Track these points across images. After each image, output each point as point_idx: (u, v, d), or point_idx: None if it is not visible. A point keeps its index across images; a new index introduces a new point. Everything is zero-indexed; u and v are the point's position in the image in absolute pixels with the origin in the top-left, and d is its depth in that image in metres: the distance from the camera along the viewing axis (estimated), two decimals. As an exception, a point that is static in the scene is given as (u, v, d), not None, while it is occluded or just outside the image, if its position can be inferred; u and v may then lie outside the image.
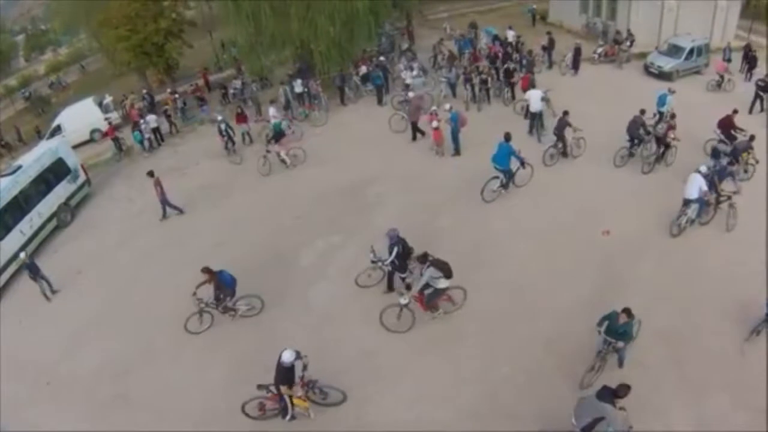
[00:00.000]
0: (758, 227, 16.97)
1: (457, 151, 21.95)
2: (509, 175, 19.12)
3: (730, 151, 18.92)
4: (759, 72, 28.01)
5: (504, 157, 18.71)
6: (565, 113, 20.58)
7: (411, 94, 23.89)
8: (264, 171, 22.17)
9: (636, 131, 20.43)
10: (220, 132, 23.59)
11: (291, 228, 18.90)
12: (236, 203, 20.80)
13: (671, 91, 22.82)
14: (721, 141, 19.96)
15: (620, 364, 12.69)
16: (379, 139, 23.46)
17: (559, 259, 16.51)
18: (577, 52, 30.11)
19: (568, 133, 20.78)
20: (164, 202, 20.19)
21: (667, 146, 20.34)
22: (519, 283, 15.66)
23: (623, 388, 10.04)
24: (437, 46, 30.86)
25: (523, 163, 19.03)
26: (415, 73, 25.94)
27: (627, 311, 11.81)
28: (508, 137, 18.79)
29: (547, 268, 16.21)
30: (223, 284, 14.44)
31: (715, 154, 19.51)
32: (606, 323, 12.16)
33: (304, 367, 11.82)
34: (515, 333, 14.07)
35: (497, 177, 19.08)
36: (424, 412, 12.35)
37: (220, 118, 24.07)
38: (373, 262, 14.92)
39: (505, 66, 26.44)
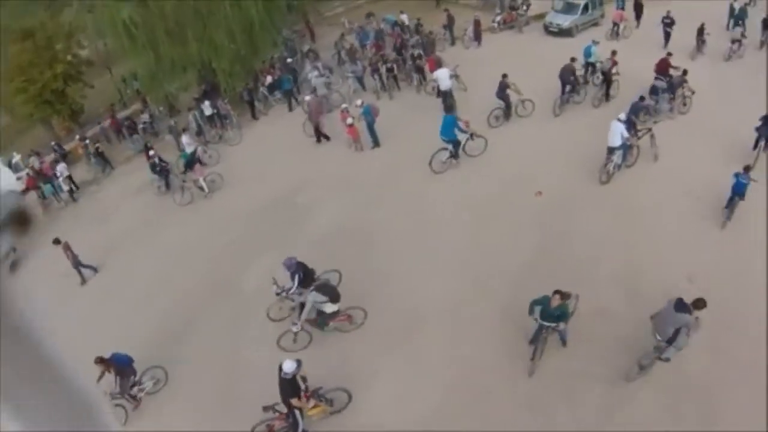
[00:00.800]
0: (685, 153, 18.56)
1: (376, 143, 21.94)
2: (457, 146, 19.76)
3: (667, 87, 20.90)
4: (645, 17, 29.82)
5: (449, 128, 19.38)
6: (504, 76, 21.28)
7: (308, 98, 23.48)
8: (184, 201, 21.41)
9: (568, 77, 22.03)
10: (154, 167, 22.15)
11: (226, 255, 18.20)
12: (166, 241, 19.82)
13: (595, 42, 24.37)
14: (657, 79, 21.42)
15: (563, 343, 12.64)
16: (297, 147, 23.07)
17: (501, 225, 16.96)
18: (477, 24, 30.45)
19: (512, 96, 21.48)
20: (77, 265, 18.62)
21: (610, 81, 22.48)
22: (464, 257, 15.90)
23: (700, 301, 11.22)
24: (339, 42, 30.55)
25: (471, 135, 19.80)
26: (316, 73, 25.51)
27: (560, 293, 11.53)
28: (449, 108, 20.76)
29: (490, 236, 16.56)
30: (121, 367, 13.08)
31: (654, 91, 21.16)
32: (539, 308, 11.81)
33: (304, 379, 11.55)
34: (470, 309, 14.18)
35: (446, 149, 19.70)
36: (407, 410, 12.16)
37: (152, 152, 22.78)
38: (277, 294, 14.16)
39: (411, 52, 26.48)
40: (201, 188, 21.53)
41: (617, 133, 17.79)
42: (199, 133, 25.80)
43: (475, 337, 13.44)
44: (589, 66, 23.74)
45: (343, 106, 21.78)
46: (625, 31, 30.10)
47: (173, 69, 27.31)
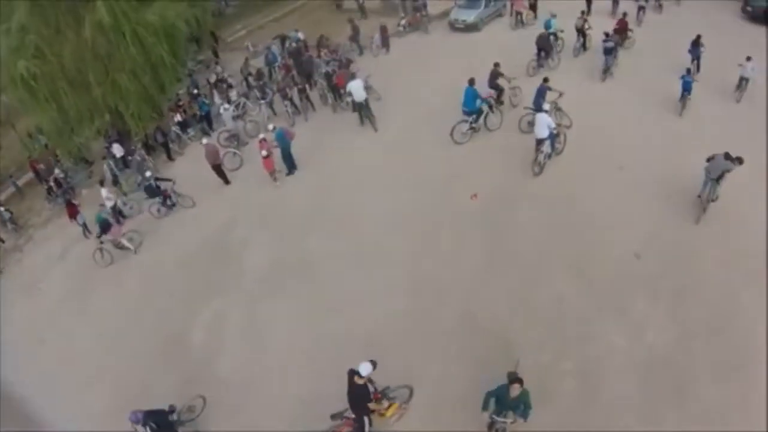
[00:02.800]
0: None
1: (291, 170, 21.26)
2: (480, 115, 20.89)
3: (614, 45, 23.86)
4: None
5: (471, 99, 20.47)
6: (496, 65, 21.35)
7: (205, 141, 22.22)
8: (105, 263, 19.73)
9: (546, 43, 25.06)
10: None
11: (169, 309, 17.04)
12: (102, 307, 18.13)
13: (553, 15, 26.44)
14: (607, 40, 23.72)
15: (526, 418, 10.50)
16: (217, 184, 22.01)
17: (444, 234, 16.99)
18: (383, 30, 30.36)
19: (503, 83, 21.86)
20: None
21: (585, 35, 26.06)
22: (413, 272, 15.79)
23: (740, 158, 15.15)
24: (244, 68, 29.70)
25: (491, 107, 21.04)
26: (226, 105, 24.59)
27: (517, 380, 10.00)
28: (472, 82, 20.43)
29: (435, 248, 16.57)
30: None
31: (607, 51, 23.69)
32: (492, 401, 10.25)
33: (371, 381, 11.12)
34: (428, 327, 14.09)
35: (466, 120, 20.76)
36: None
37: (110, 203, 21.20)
38: None
39: (325, 70, 25.84)
40: (123, 247, 20.04)
41: (543, 125, 18.12)
42: (116, 182, 24.38)
43: (442, 352, 13.36)
44: (551, 36, 25.89)
45: (261, 136, 20.99)
46: (528, 20, 30.78)
47: (80, 118, 25.76)
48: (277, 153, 20.79)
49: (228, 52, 35.91)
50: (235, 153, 22.92)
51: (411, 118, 22.92)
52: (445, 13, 33.92)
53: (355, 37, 30.85)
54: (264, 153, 20.06)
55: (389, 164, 20.34)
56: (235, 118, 24.35)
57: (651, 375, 12.17)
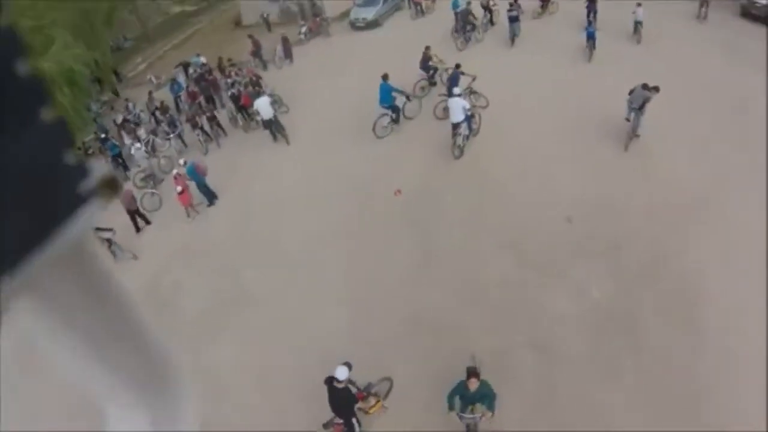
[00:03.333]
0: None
1: (211, 201, 20.14)
2: (397, 111, 20.79)
3: (517, 14, 25.69)
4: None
5: (387, 94, 20.30)
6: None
7: (137, 179, 21.50)
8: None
9: (467, 17, 26.62)
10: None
11: None
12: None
13: None
14: (511, 10, 25.58)
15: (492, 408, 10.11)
16: (145, 227, 20.61)
17: (374, 237, 16.47)
18: (285, 41, 29.67)
19: (437, 63, 22.38)
20: None
21: (491, 11, 27.80)
22: (353, 283, 15.16)
23: (656, 87, 16.79)
24: (149, 102, 28.35)
25: (408, 97, 20.97)
26: (138, 145, 23.46)
27: (473, 374, 9.77)
28: (385, 77, 20.28)
29: (368, 253, 16.00)
30: None
31: (512, 20, 25.52)
32: (457, 398, 9.90)
33: (351, 381, 10.68)
34: (378, 333, 13.51)
35: (386, 114, 20.68)
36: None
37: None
38: None
39: (231, 92, 24.86)
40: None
41: (458, 109, 18.06)
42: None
43: (397, 359, 12.79)
44: (459, 15, 27.13)
45: (174, 171, 19.99)
46: (427, 9, 30.82)
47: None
48: (194, 185, 19.88)
49: (132, 87, 34.67)
50: (153, 193, 21.62)
51: (325, 125, 22.42)
52: (345, 14, 33.63)
53: (257, 52, 30.09)
54: (179, 189, 19.10)
55: (310, 175, 19.77)
56: (148, 156, 23.30)
57: (602, 330, 12.40)
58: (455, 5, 27.50)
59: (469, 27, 26.69)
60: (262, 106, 21.55)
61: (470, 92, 20.25)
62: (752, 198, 14.88)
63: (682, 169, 16.53)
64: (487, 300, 13.62)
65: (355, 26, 31.98)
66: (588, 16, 24.88)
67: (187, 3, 49.43)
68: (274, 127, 21.92)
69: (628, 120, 17.65)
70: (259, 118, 22.42)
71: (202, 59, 30.91)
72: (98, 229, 19.34)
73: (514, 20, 25.64)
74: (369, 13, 31.88)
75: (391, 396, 11.98)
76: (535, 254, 14.52)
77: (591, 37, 23.41)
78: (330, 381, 10.41)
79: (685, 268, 13.44)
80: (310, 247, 16.75)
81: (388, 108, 20.61)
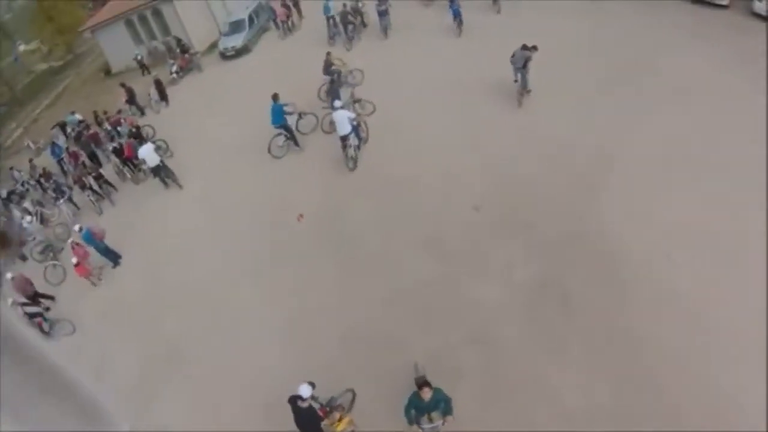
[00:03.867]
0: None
1: (115, 261, 19.46)
2: (291, 131, 21.02)
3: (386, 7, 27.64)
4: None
5: (278, 115, 20.50)
6: (328, 54, 22.49)
7: (9, 275, 19.25)
8: None
9: (347, 18, 28.14)
10: None
11: None
12: None
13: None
14: (380, 4, 27.37)
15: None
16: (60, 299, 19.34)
17: (285, 267, 16.28)
18: (158, 84, 29.20)
19: (340, 67, 22.83)
20: None
21: (362, 14, 29.32)
22: (279, 319, 14.82)
23: (535, 46, 18.61)
24: (32, 171, 27.24)
25: (300, 115, 21.31)
26: (28, 218, 22.44)
27: (424, 383, 9.45)
28: (275, 98, 20.58)
29: (283, 287, 15.74)
30: None
31: (381, 14, 27.68)
32: (414, 411, 9.59)
33: (314, 398, 10.38)
34: (316, 361, 13.06)
35: (280, 134, 20.91)
36: None
37: None
38: None
39: (113, 146, 24.18)
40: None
41: (344, 121, 18.36)
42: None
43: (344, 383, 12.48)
44: (331, 18, 29.18)
45: (70, 240, 19.47)
46: (294, 27, 31.98)
47: None
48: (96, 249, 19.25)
49: (11, 156, 33.41)
50: (55, 265, 20.58)
51: (215, 160, 22.52)
52: (213, 45, 33.60)
53: (131, 100, 29.39)
54: (74, 260, 18.41)
55: (210, 213, 19.64)
56: (40, 227, 22.64)
57: (535, 309, 12.67)
58: (327, 10, 29.10)
59: (350, 27, 28.21)
60: (147, 154, 21.26)
61: (354, 101, 20.73)
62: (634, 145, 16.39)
63: (574, 125, 17.83)
64: (416, 303, 13.66)
65: (225, 56, 31.95)
66: None
67: (53, 58, 48.08)
68: (162, 173, 21.70)
69: (516, 81, 19.66)
70: (146, 167, 22.11)
71: (78, 116, 30.11)
72: (37, 294, 18.72)
73: (383, 14, 27.78)
74: (237, 41, 31.91)
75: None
76: (453, 248, 14.85)
77: (457, 15, 26.00)
78: (294, 400, 10.23)
79: (601, 230, 14.08)
80: (227, 287, 16.50)
81: (280, 127, 20.83)
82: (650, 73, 19.76)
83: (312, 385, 10.26)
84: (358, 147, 19.25)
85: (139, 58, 35.01)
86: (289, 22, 32.49)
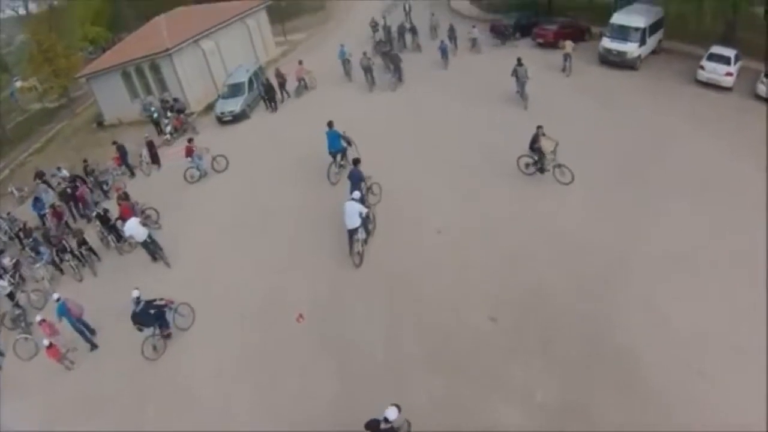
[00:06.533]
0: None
1: (92, 343, 17.39)
2: (344, 153, 21.91)
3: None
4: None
5: (336, 140, 21.55)
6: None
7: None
8: None
9: (369, 63, 30.88)
10: None
11: None
12: None
13: (343, 45, 34.13)
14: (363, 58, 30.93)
15: None
16: (26, 380, 17.03)
17: (286, 371, 14.73)
18: (150, 146, 27.45)
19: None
20: None
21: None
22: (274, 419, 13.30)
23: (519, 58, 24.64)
24: (11, 223, 24.92)
25: (349, 143, 21.70)
26: (3, 283, 20.15)
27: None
28: (331, 124, 21.57)
29: (285, 389, 14.23)
30: None
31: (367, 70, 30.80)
32: None
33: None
34: None
35: (333, 162, 21.84)
36: None
37: None
38: None
39: (96, 211, 22.14)
40: None
41: (354, 214, 17.01)
42: None
43: None
44: (347, 62, 33.62)
45: (38, 317, 17.25)
46: (309, 83, 32.73)
47: None
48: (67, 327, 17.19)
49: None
50: (26, 338, 18.23)
51: (207, 236, 20.87)
52: (210, 106, 32.51)
53: (123, 159, 27.61)
54: (45, 342, 16.27)
55: (199, 302, 17.55)
56: (15, 291, 20.25)
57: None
58: (342, 54, 33.48)
59: (369, 75, 30.82)
60: (133, 229, 19.52)
61: (368, 190, 19.50)
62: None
63: (592, 219, 17.63)
64: (427, 428, 11.87)
65: (222, 120, 30.52)
66: (450, 40, 34.04)
67: (47, 99, 46.75)
68: (149, 248, 19.96)
69: (518, 92, 26.02)
70: (132, 241, 20.45)
71: (65, 172, 28.10)
72: None
73: (368, 70, 31.01)
74: (235, 105, 30.54)
75: None
76: (466, 362, 13.57)
77: (444, 52, 32.32)
78: (376, 424, 10.11)
79: (624, 346, 13.34)
80: (219, 390, 14.71)
81: (337, 153, 21.71)
82: (663, 164, 19.78)
83: (398, 407, 10.21)
84: (365, 241, 17.89)
85: (153, 113, 32.35)
86: (306, 78, 32.41)
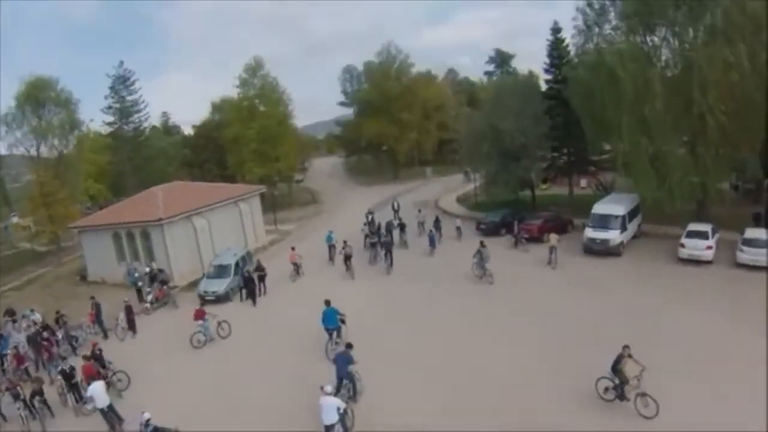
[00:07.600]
0: None
1: None
2: (339, 331, 22.83)
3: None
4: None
5: (333, 317, 22.50)
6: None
7: None
8: None
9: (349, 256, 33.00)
10: None
11: None
12: None
13: (331, 231, 38.01)
14: (345, 246, 33.26)
15: None
16: None
17: None
18: (128, 310, 27.43)
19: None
20: None
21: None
22: None
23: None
24: None
25: (343, 321, 22.88)
26: None
27: None
28: (328, 303, 22.64)
29: None
30: None
31: (347, 257, 33.09)
32: None
33: None
34: None
35: (330, 338, 22.46)
36: None
37: None
38: None
39: (60, 368, 21.00)
40: None
41: (332, 409, 15.95)
42: None
43: None
44: (332, 247, 36.56)
45: None
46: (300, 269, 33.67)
47: None
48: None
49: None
50: None
51: (174, 416, 18.48)
52: (194, 284, 32.99)
53: (97, 317, 27.44)
54: None
55: None
56: None
57: None
58: (329, 240, 36.89)
59: (348, 263, 33.07)
60: (97, 392, 18.54)
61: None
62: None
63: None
64: None
65: (204, 300, 30.12)
66: (436, 230, 39.32)
67: (38, 242, 47.45)
68: (108, 416, 18.84)
69: (476, 273, 29.62)
70: (93, 405, 19.16)
71: (38, 316, 27.86)
72: None
73: (347, 258, 33.25)
74: (220, 286, 30.64)
75: None
76: None
77: (432, 241, 37.35)
78: None
79: None
80: None
81: (333, 330, 22.44)
82: (660, 346, 19.44)
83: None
84: None
85: (138, 281, 32.76)
86: (299, 263, 34.06)
